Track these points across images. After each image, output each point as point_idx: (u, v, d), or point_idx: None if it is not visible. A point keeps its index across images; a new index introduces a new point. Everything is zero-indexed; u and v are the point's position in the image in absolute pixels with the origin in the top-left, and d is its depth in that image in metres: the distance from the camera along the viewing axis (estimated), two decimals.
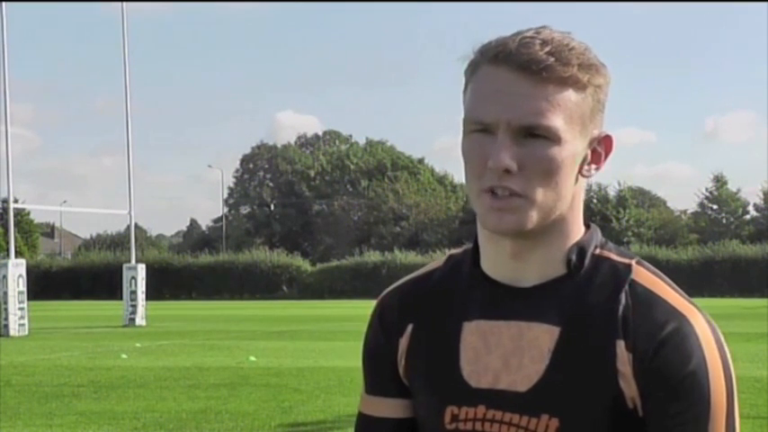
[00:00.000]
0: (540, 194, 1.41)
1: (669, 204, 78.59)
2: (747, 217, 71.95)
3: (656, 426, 1.42)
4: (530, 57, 1.39)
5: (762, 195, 70.66)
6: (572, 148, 1.42)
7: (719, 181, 71.85)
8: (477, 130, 1.42)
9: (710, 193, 72.04)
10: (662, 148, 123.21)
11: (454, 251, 1.62)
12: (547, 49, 1.39)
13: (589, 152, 1.46)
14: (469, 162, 1.43)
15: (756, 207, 71.61)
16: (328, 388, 13.22)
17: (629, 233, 66.31)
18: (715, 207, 72.14)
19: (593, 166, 1.48)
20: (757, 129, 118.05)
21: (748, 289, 50.75)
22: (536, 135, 1.39)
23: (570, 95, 1.40)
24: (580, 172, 1.46)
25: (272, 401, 11.98)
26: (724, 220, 71.33)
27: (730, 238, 59.84)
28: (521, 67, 1.39)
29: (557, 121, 1.39)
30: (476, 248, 1.54)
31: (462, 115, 1.45)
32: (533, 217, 1.42)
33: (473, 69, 1.45)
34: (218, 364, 16.55)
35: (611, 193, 69.08)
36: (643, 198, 75.01)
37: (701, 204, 72.75)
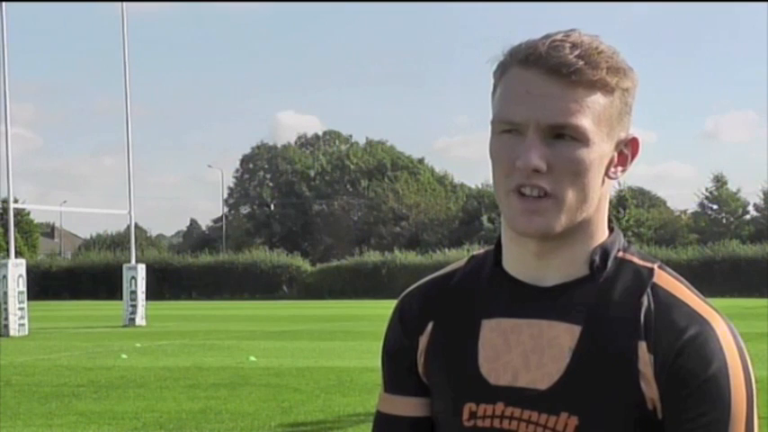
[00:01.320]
0: (568, 195, 1.42)
1: (669, 204, 78.64)
2: (747, 217, 71.91)
3: (676, 429, 1.42)
4: (560, 60, 1.40)
5: (762, 195, 70.65)
6: (600, 149, 1.43)
7: (719, 181, 71.84)
8: (507, 130, 1.43)
9: (710, 193, 72.03)
10: (662, 147, 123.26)
11: (476, 252, 1.62)
12: (576, 52, 1.41)
13: (616, 154, 1.48)
14: (498, 162, 1.44)
15: (756, 207, 71.59)
16: (328, 388, 13.22)
17: (629, 233, 66.25)
18: (715, 207, 72.12)
19: (620, 169, 1.50)
20: (757, 129, 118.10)
21: (748, 289, 50.69)
22: (564, 136, 1.41)
23: (599, 98, 1.42)
24: (607, 174, 1.47)
25: (272, 401, 11.98)
26: (724, 220, 71.30)
27: (730, 238, 59.80)
28: (551, 70, 1.40)
29: (585, 122, 1.41)
30: (498, 248, 1.55)
31: (491, 116, 1.46)
32: (562, 219, 1.43)
33: (502, 71, 1.46)
34: (218, 364, 16.55)
35: (612, 193, 68.98)
36: (643, 198, 75.01)
37: (701, 204, 72.74)
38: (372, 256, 60.93)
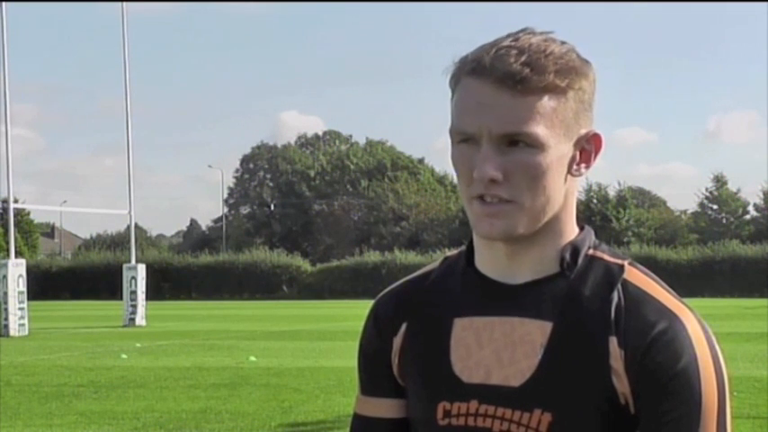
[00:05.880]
0: (529, 199, 1.43)
1: (669, 204, 78.64)
2: (747, 217, 71.82)
3: (648, 423, 1.43)
4: (505, 70, 1.40)
5: (762, 195, 70.59)
6: (556, 152, 1.44)
7: (719, 181, 71.79)
8: (463, 140, 1.45)
9: (710, 193, 71.96)
10: (664, 147, 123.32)
11: (450, 253, 1.64)
12: (522, 59, 1.40)
13: (577, 152, 1.48)
14: (458, 171, 1.47)
15: (756, 207, 71.51)
16: (328, 388, 13.22)
17: (629, 233, 66.23)
18: (715, 207, 72.07)
19: (583, 165, 1.50)
20: (759, 129, 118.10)
21: (748, 289, 50.69)
22: (519, 143, 1.42)
23: (549, 102, 1.42)
24: (569, 172, 1.47)
25: (272, 401, 11.99)
26: (724, 220, 71.25)
27: (730, 238, 59.74)
28: (497, 81, 1.40)
29: (537, 128, 1.41)
30: (470, 248, 1.57)
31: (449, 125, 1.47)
32: (524, 222, 1.44)
33: (455, 81, 1.47)
34: (218, 364, 16.56)
35: (611, 193, 69.03)
36: (643, 198, 74.99)
37: (701, 204, 72.68)
38: (372, 256, 60.92)
